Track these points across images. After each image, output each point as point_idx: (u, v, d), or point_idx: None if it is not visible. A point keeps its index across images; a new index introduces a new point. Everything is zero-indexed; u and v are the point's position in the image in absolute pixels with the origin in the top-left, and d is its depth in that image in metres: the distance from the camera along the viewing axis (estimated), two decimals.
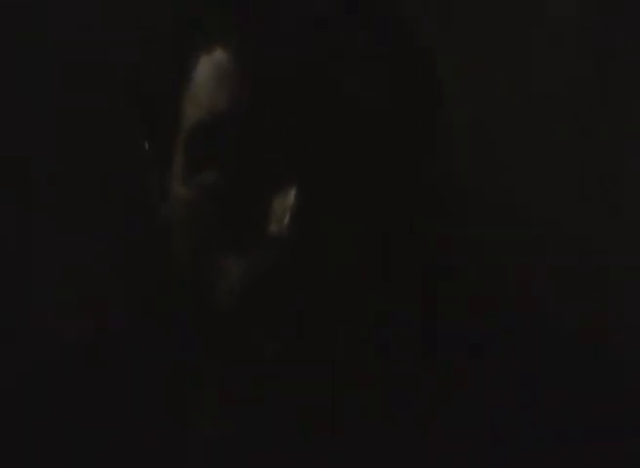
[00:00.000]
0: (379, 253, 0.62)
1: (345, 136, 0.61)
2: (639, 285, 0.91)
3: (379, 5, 0.65)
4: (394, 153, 0.62)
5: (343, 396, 0.66)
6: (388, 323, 0.65)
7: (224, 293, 0.61)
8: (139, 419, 0.69)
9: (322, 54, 0.60)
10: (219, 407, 0.68)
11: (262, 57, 0.60)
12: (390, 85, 0.63)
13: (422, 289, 0.68)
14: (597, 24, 0.91)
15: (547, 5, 0.91)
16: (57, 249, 0.93)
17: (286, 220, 0.58)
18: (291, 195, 0.59)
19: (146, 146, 0.69)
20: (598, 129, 0.91)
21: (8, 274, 0.93)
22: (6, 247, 0.93)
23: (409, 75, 0.64)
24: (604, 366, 0.69)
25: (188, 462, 0.67)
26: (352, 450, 0.66)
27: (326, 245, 0.60)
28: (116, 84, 0.88)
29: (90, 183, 0.92)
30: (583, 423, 0.66)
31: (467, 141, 0.90)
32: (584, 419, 0.66)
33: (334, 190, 0.61)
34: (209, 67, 0.62)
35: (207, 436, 0.68)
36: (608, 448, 0.66)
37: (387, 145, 0.62)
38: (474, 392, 0.67)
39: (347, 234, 0.61)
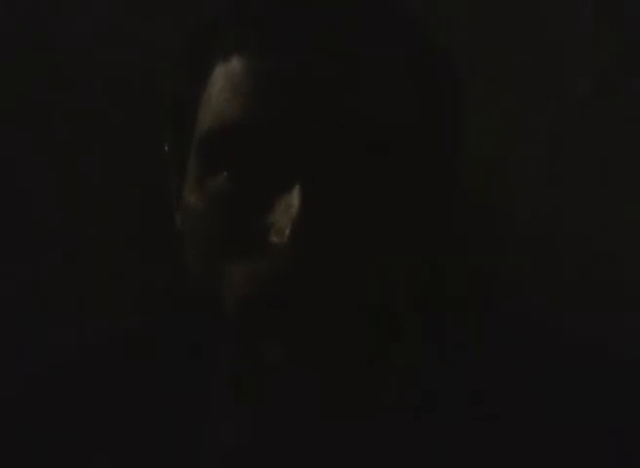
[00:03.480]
0: (379, 267, 0.62)
1: (351, 152, 0.61)
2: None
3: (398, 18, 0.65)
4: (402, 169, 0.62)
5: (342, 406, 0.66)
6: (387, 334, 0.65)
7: (229, 300, 0.62)
8: (151, 423, 0.69)
9: (335, 70, 0.60)
10: (232, 411, 0.69)
11: (275, 69, 0.60)
12: (405, 102, 0.62)
13: (426, 301, 0.68)
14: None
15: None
16: (73, 249, 0.93)
17: (287, 231, 0.58)
18: (294, 206, 0.59)
19: (166, 149, 0.70)
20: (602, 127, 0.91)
21: (23, 273, 0.93)
22: (22, 248, 0.93)
23: (428, 91, 0.64)
24: (604, 370, 0.70)
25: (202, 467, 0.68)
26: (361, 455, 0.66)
27: (326, 257, 0.60)
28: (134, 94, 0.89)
29: (108, 185, 0.93)
30: (584, 426, 0.67)
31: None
32: (585, 422, 0.67)
33: (337, 203, 0.60)
34: (223, 77, 0.62)
35: (221, 441, 0.68)
36: (608, 449, 0.66)
37: (394, 161, 0.62)
38: (475, 393, 0.67)
39: (348, 247, 0.61)
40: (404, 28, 0.65)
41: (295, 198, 0.59)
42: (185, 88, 0.66)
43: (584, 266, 0.91)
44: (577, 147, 0.91)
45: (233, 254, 0.61)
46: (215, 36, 0.64)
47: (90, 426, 0.70)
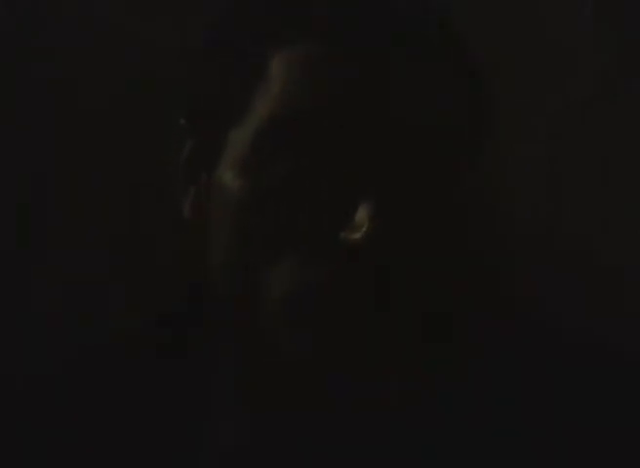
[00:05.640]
0: (439, 271, 0.63)
1: (415, 153, 0.61)
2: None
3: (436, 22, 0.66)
4: (449, 168, 0.63)
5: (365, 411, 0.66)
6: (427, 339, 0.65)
7: (272, 294, 0.61)
8: (151, 423, 0.69)
9: (399, 58, 0.61)
10: (232, 411, 0.68)
11: (344, 55, 0.60)
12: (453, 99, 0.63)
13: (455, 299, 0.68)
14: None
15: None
16: (73, 249, 0.93)
17: (364, 229, 0.58)
18: (369, 202, 0.58)
19: (182, 123, 0.68)
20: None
21: (25, 275, 0.93)
22: (22, 248, 0.93)
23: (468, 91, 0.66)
24: (604, 370, 0.70)
25: None
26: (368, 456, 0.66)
27: (395, 258, 0.60)
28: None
29: (108, 185, 0.93)
30: (585, 426, 0.67)
31: None
32: (584, 420, 0.67)
33: (408, 202, 0.60)
34: (286, 64, 0.61)
35: (222, 443, 0.68)
36: (608, 450, 0.66)
37: (447, 159, 0.62)
38: (475, 392, 0.67)
39: (411, 249, 0.61)
40: (447, 32, 0.66)
41: (370, 193, 0.59)
42: (234, 73, 0.64)
43: (584, 266, 0.91)
44: (577, 147, 0.91)
45: (284, 248, 0.60)
46: (269, 24, 0.64)
47: (90, 426, 0.70)
